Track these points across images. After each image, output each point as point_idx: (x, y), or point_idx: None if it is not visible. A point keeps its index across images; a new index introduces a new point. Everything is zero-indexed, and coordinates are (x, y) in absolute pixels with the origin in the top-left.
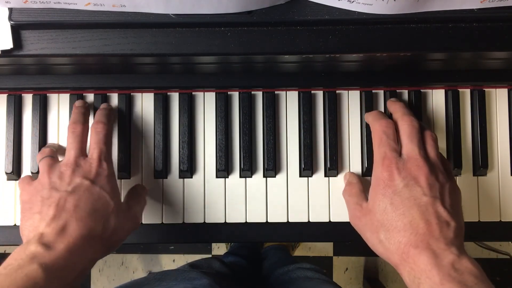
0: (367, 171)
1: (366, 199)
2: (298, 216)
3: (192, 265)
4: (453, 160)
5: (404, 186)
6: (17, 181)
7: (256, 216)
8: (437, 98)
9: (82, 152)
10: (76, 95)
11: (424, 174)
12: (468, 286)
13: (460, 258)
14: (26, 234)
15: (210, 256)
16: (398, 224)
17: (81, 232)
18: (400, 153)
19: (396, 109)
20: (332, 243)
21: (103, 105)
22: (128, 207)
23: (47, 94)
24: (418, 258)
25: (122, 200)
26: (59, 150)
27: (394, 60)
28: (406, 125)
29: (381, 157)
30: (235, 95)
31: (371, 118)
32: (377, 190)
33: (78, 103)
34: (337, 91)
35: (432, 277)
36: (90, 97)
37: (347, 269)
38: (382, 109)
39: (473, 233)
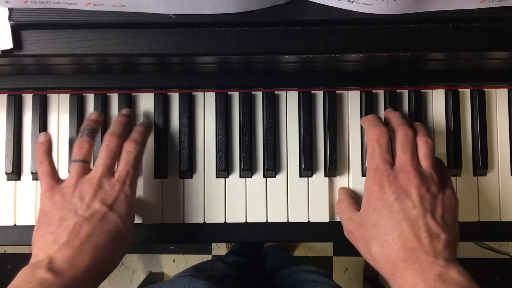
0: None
1: (357, 209)
2: (298, 216)
3: (197, 268)
4: (453, 160)
5: (395, 199)
6: (17, 181)
7: (256, 216)
8: (437, 98)
9: (109, 170)
10: (76, 95)
11: (415, 186)
12: None
13: (447, 269)
14: (36, 250)
15: (210, 256)
16: (387, 238)
17: (89, 264)
18: (394, 163)
19: (392, 118)
20: (332, 243)
21: (144, 122)
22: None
23: (47, 94)
24: (405, 273)
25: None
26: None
27: (394, 60)
28: (400, 135)
29: (373, 169)
30: (235, 95)
31: (366, 124)
32: (369, 203)
33: (125, 111)
34: (337, 91)
35: None
36: (90, 97)
37: (347, 269)
38: (382, 109)
39: (473, 233)
